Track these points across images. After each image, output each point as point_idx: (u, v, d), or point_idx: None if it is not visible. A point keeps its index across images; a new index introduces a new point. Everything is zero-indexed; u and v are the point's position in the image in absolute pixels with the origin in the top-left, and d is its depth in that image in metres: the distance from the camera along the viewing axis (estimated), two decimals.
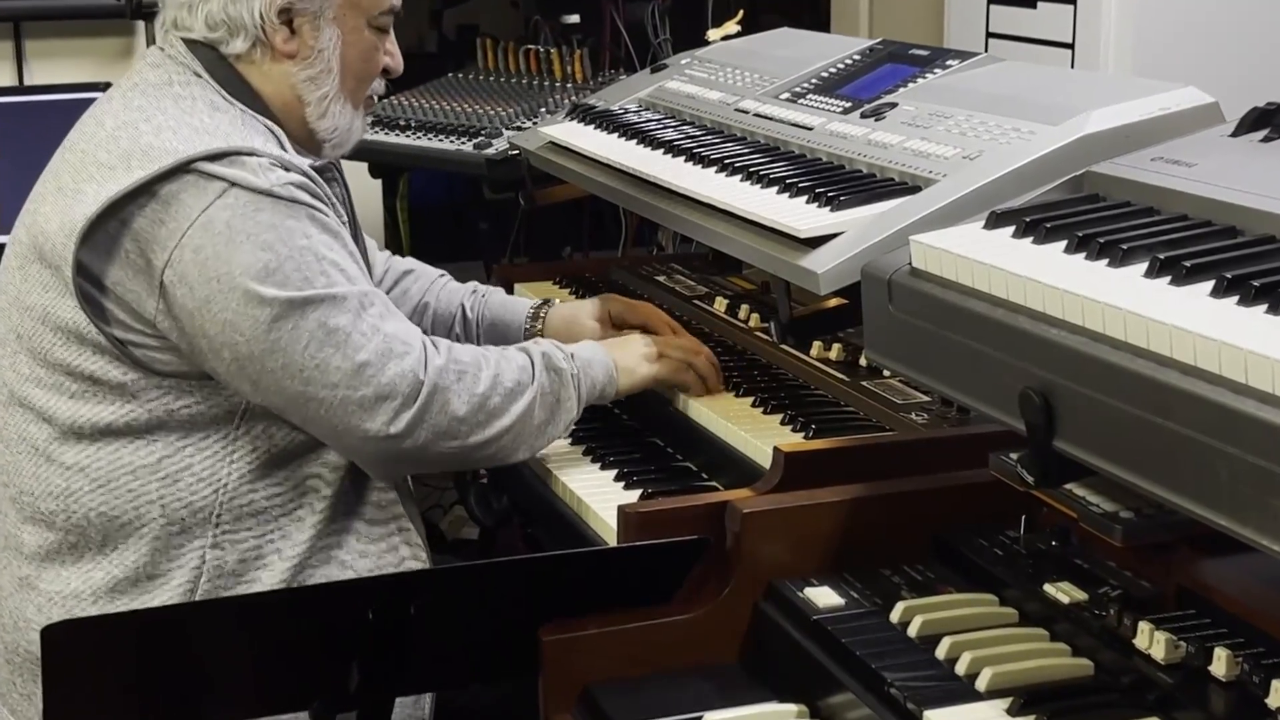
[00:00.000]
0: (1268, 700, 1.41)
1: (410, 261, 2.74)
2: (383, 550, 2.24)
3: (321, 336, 2.06)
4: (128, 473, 2.14)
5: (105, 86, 3.29)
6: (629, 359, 2.35)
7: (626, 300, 2.63)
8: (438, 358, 2.13)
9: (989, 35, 3.69)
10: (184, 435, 2.15)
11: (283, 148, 2.16)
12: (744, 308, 2.71)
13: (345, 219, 2.22)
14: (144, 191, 2.06)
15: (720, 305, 2.77)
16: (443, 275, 2.72)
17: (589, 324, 2.57)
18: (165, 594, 2.15)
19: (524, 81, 3.79)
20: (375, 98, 2.37)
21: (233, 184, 2.05)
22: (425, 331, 2.53)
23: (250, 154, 2.08)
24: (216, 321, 2.05)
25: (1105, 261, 1.48)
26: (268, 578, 2.16)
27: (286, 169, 2.10)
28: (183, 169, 2.05)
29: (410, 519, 2.26)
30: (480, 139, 3.38)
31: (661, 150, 2.56)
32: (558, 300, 2.67)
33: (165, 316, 2.08)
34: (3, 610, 2.24)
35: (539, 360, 2.22)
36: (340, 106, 2.27)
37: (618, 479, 2.24)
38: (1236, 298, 1.33)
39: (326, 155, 2.28)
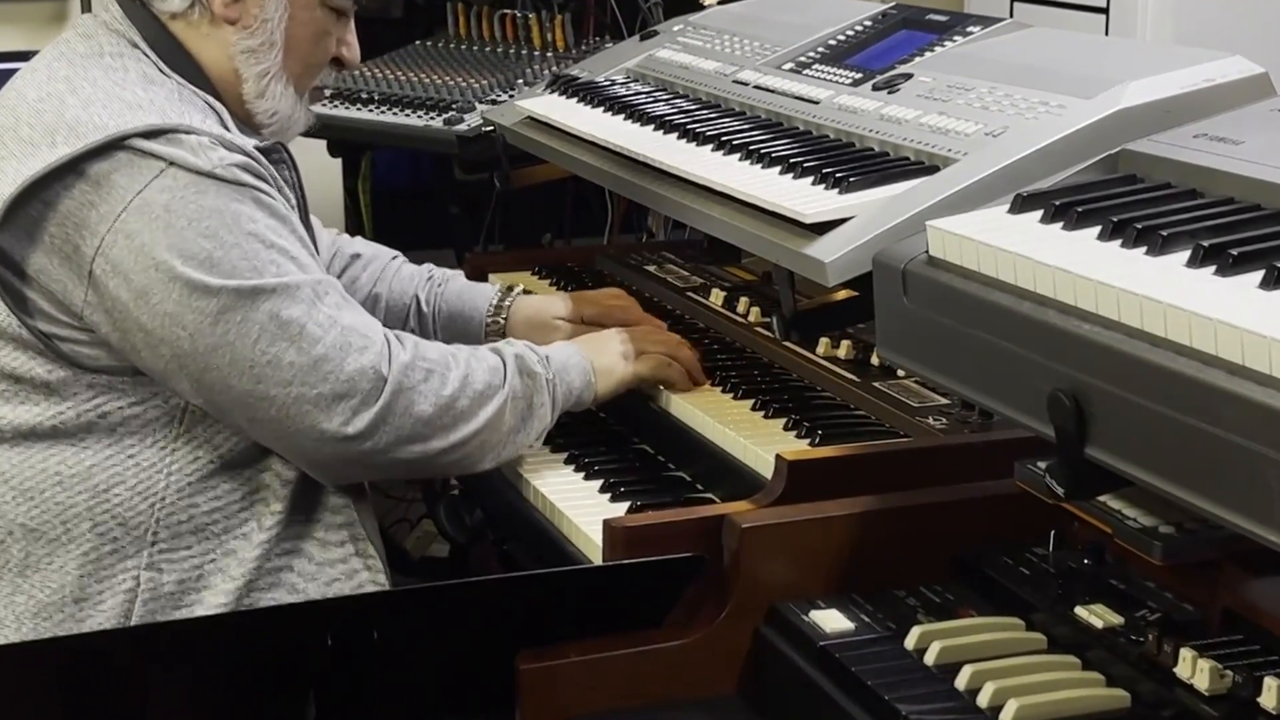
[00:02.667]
0: None
1: (359, 243, 2.74)
2: (338, 573, 2.23)
3: (274, 329, 2.06)
4: (54, 483, 2.14)
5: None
6: (606, 358, 2.36)
7: (601, 302, 2.62)
8: (402, 354, 2.13)
9: None
10: (116, 441, 2.14)
11: (225, 126, 2.16)
12: (743, 301, 2.71)
13: (294, 203, 2.21)
14: (71, 170, 2.05)
15: (717, 298, 2.77)
16: (395, 257, 2.72)
17: (558, 324, 2.57)
18: (95, 620, 2.13)
19: (499, 50, 3.78)
20: (325, 91, 2.37)
21: (171, 163, 2.05)
22: None
23: (189, 131, 2.07)
24: (155, 314, 2.05)
25: (1143, 249, 1.48)
26: (211, 600, 2.16)
27: (229, 149, 2.09)
28: (115, 146, 2.05)
29: (369, 537, 2.26)
30: (451, 114, 3.37)
31: (652, 126, 2.56)
32: (521, 288, 2.67)
33: (95, 309, 2.08)
34: None
35: (511, 362, 2.23)
36: (281, 88, 2.27)
37: (603, 490, 2.23)
38: None
39: (267, 138, 2.27)
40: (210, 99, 2.19)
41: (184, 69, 2.19)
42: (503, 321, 2.59)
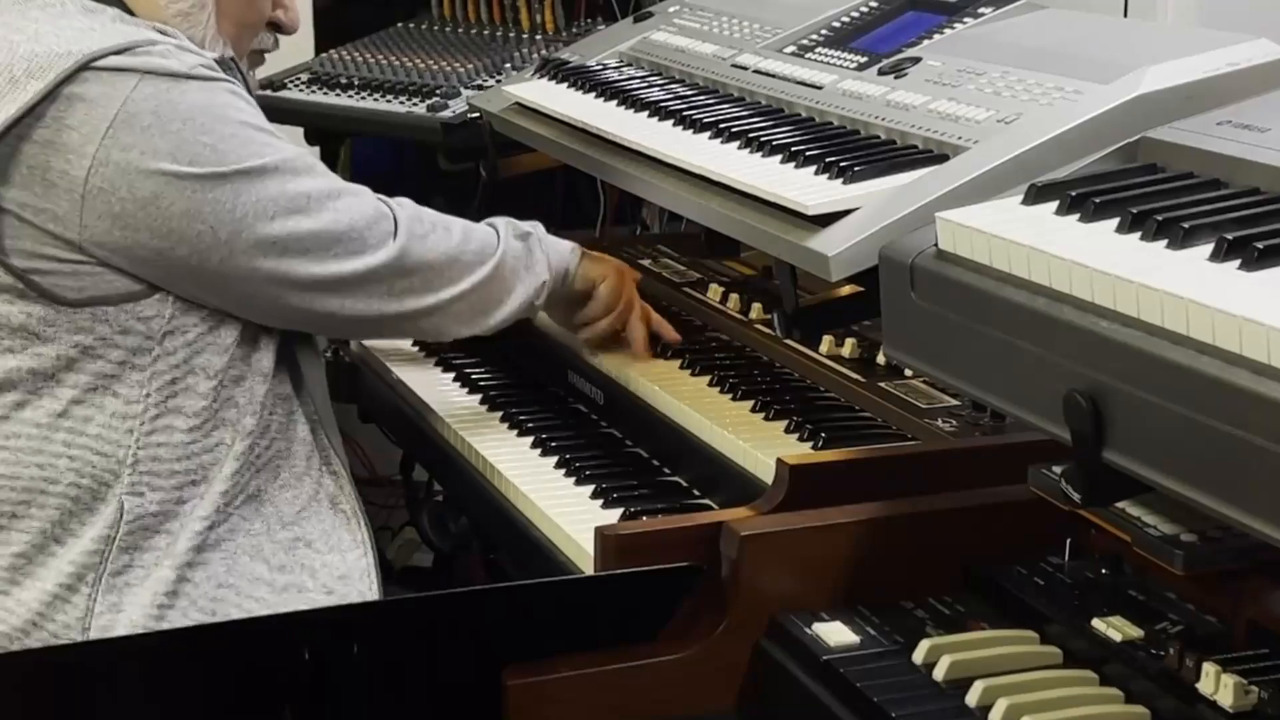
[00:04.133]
0: None
1: None
2: (309, 489, 2.33)
3: (285, 203, 2.20)
4: (33, 429, 2.21)
5: None
6: (598, 259, 2.58)
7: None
8: (400, 208, 2.34)
9: None
10: (94, 373, 2.21)
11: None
12: (743, 296, 2.71)
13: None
14: (42, 99, 2.11)
15: (715, 293, 2.77)
16: None
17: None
18: (79, 547, 2.20)
19: (486, 33, 3.78)
20: (264, 54, 2.47)
21: (146, 72, 2.14)
22: None
23: (153, 43, 2.17)
24: (169, 216, 2.15)
25: (1164, 242, 1.48)
26: (191, 526, 2.23)
27: (193, 53, 2.21)
28: (83, 69, 2.12)
29: (334, 450, 2.37)
30: (435, 100, 3.37)
31: (646, 113, 2.56)
32: None
33: (93, 230, 2.14)
34: None
35: (504, 226, 2.45)
36: (217, 50, 2.34)
37: (595, 496, 2.24)
38: None
39: None
40: (155, 23, 2.27)
41: (119, 6, 2.27)
42: None
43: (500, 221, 2.47)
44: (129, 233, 2.15)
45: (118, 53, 2.14)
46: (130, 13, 2.27)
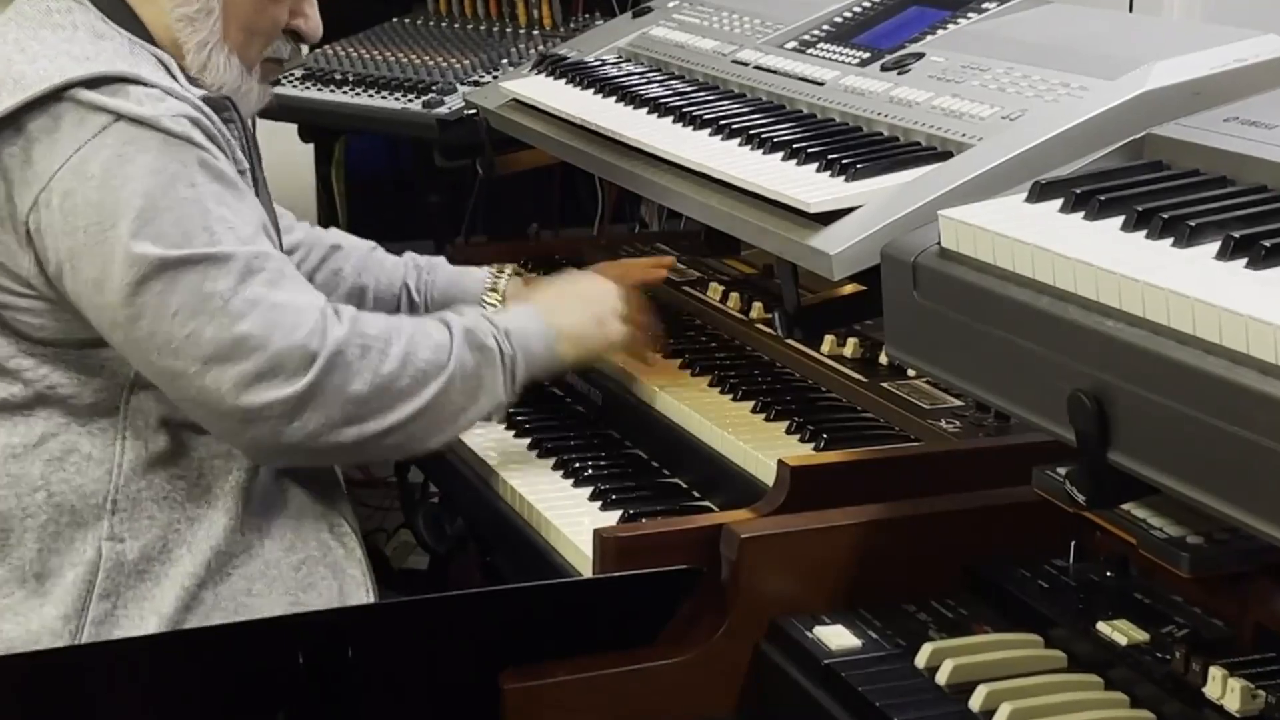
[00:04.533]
0: None
1: (335, 234, 2.74)
2: (310, 550, 2.26)
3: (195, 303, 2.06)
4: (6, 455, 2.17)
5: None
6: (572, 321, 2.33)
7: (605, 271, 2.59)
8: (338, 328, 2.12)
9: None
10: (68, 412, 2.18)
11: (174, 79, 2.19)
12: (743, 296, 2.71)
13: (247, 166, 2.23)
14: (10, 124, 2.08)
15: (715, 292, 2.77)
16: (374, 248, 2.73)
17: None
18: (57, 594, 2.16)
19: (482, 28, 3.78)
20: (282, 65, 2.37)
21: (117, 116, 2.07)
22: None
23: (136, 81, 2.10)
24: (81, 279, 2.08)
25: (1170, 240, 1.48)
26: (178, 574, 2.18)
27: (177, 99, 2.12)
28: (56, 97, 2.08)
29: (340, 510, 2.29)
30: (430, 96, 3.37)
31: (645, 109, 2.56)
32: (512, 268, 2.68)
33: (39, 271, 2.11)
34: None
35: (459, 336, 2.21)
36: (223, 60, 2.27)
37: (593, 498, 2.23)
38: None
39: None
40: (159, 52, 2.21)
41: (131, 26, 2.22)
42: (499, 304, 2.60)
43: (459, 326, 2.23)
44: (60, 282, 2.10)
45: (94, 84, 2.07)
46: (143, 34, 2.21)
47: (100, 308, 2.08)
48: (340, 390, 2.10)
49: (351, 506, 2.33)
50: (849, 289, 2.19)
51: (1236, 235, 1.43)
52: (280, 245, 2.27)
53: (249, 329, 2.07)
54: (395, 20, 3.89)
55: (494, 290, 2.63)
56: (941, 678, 1.67)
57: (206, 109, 2.15)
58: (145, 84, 2.10)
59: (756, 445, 2.17)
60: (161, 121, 2.07)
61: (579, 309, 2.36)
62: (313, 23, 2.36)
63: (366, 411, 2.13)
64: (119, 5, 2.22)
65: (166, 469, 2.20)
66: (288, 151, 3.75)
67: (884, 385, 2.31)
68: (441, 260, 2.74)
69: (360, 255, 2.70)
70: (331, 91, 3.50)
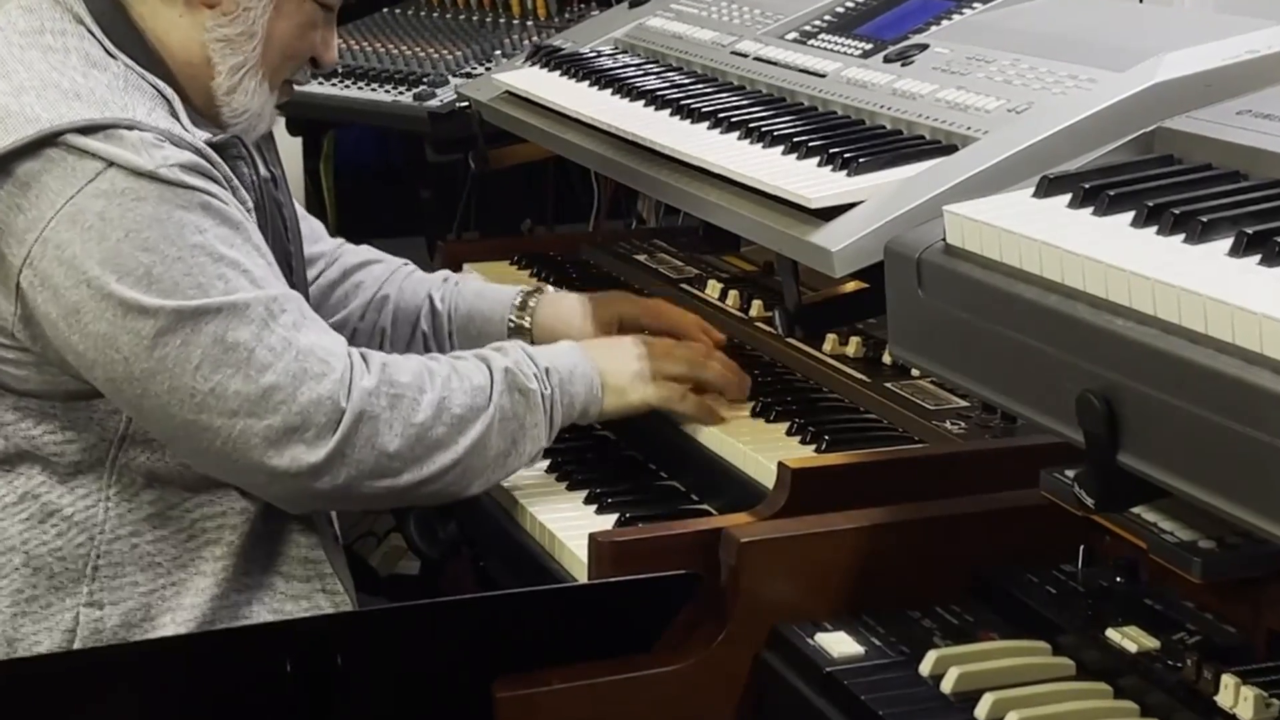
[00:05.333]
0: None
1: (367, 250, 2.69)
2: (300, 609, 2.20)
3: (218, 355, 2.03)
4: None
5: None
6: (619, 374, 2.28)
7: (642, 301, 2.57)
8: (366, 377, 2.09)
9: None
10: (50, 469, 2.14)
11: (175, 117, 2.13)
12: (742, 293, 2.70)
13: (256, 205, 2.17)
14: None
15: (713, 290, 2.77)
16: (407, 264, 2.68)
17: (585, 328, 2.50)
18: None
19: (475, 19, 3.78)
20: (293, 87, 2.33)
21: (110, 164, 2.02)
22: (384, 331, 2.52)
23: (131, 127, 2.04)
24: (88, 335, 2.03)
25: (1181, 237, 1.48)
26: None
27: (176, 145, 2.06)
28: (46, 143, 2.02)
29: (335, 570, 2.24)
30: (422, 88, 3.37)
31: (642, 102, 2.56)
32: (550, 289, 2.64)
33: (24, 325, 2.07)
34: None
35: (500, 378, 2.17)
36: (256, 84, 2.23)
37: (589, 501, 2.23)
38: None
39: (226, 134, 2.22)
40: (161, 85, 2.15)
41: (134, 50, 2.15)
42: (527, 325, 2.54)
43: (500, 366, 2.19)
44: (55, 337, 2.05)
45: (88, 131, 2.02)
46: (148, 60, 2.15)
47: (111, 363, 2.03)
48: (370, 444, 2.07)
49: (344, 559, 2.29)
50: (851, 286, 2.19)
51: (1250, 231, 1.43)
52: (303, 260, 2.24)
53: (276, 379, 2.03)
54: (386, 10, 3.88)
55: (523, 310, 2.54)
56: (947, 686, 1.67)
57: (209, 152, 2.09)
58: (141, 128, 2.04)
59: (756, 447, 2.17)
60: (159, 172, 2.02)
61: (625, 359, 2.30)
62: (333, 53, 2.34)
63: (399, 465, 2.10)
64: (123, 25, 2.16)
65: (153, 531, 2.15)
66: None
67: (887, 385, 2.31)
68: (474, 275, 2.69)
69: (385, 268, 2.64)
70: (320, 84, 3.49)
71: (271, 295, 2.07)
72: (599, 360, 2.27)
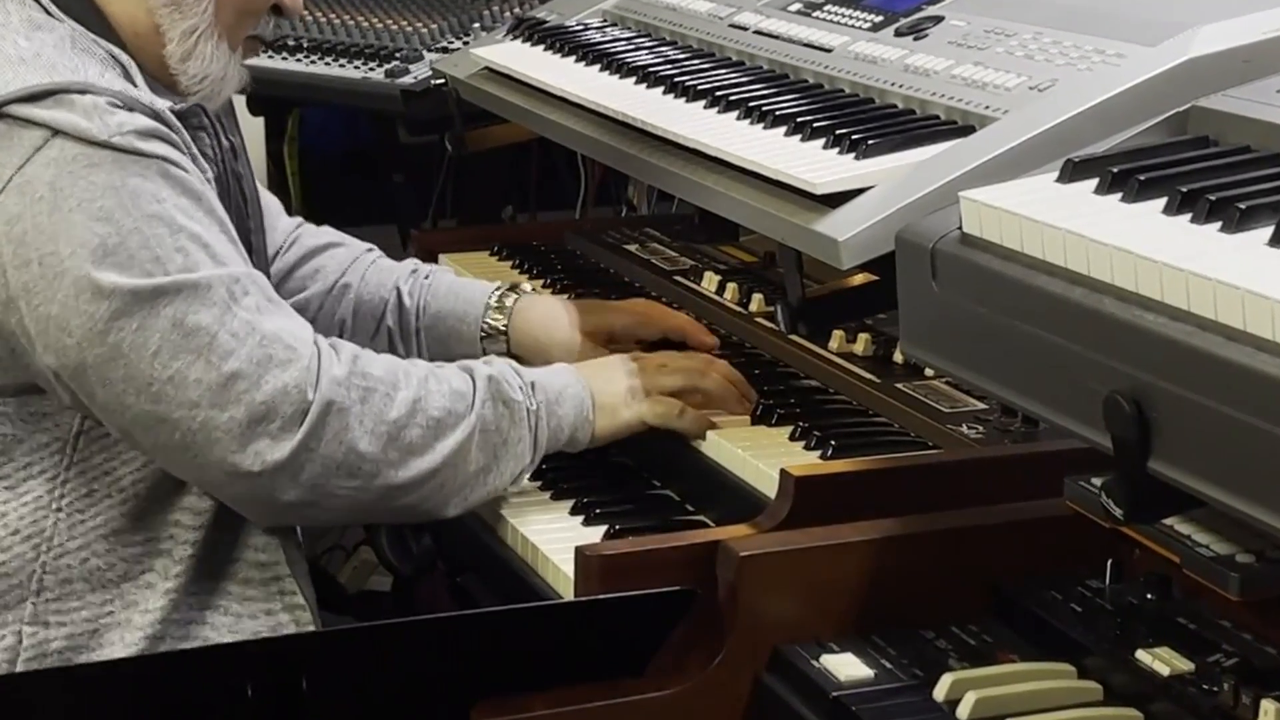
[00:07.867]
0: None
1: (329, 232, 2.70)
2: (260, 626, 2.20)
3: (177, 340, 2.02)
4: None
5: None
6: (611, 393, 2.28)
7: (632, 309, 2.57)
8: (336, 366, 2.09)
9: None
10: None
11: (130, 81, 2.13)
12: (741, 286, 2.71)
13: (213, 176, 2.17)
14: None
15: (710, 283, 2.77)
16: (373, 250, 2.68)
17: (571, 336, 2.51)
18: None
19: None
20: (259, 40, 2.34)
21: (56, 131, 2.01)
22: (343, 323, 2.52)
23: (82, 90, 2.04)
24: (38, 317, 2.03)
25: (1217, 225, 1.48)
26: None
27: (132, 109, 2.06)
28: None
29: (296, 581, 2.23)
30: (394, 64, 3.38)
31: (633, 79, 2.56)
32: (531, 286, 2.64)
33: None
34: None
35: (483, 385, 2.17)
36: (212, 47, 2.23)
37: (576, 512, 2.24)
38: None
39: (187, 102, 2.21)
40: (113, 48, 2.15)
41: (82, 14, 2.15)
42: (503, 327, 2.54)
43: (484, 374, 2.19)
44: (4, 322, 2.05)
45: (34, 99, 2.02)
46: (96, 25, 2.15)
47: (64, 348, 2.02)
48: (339, 439, 2.07)
49: (307, 568, 2.27)
50: (859, 279, 2.20)
51: None
52: (264, 238, 2.24)
53: (239, 366, 2.03)
54: None
55: (500, 310, 2.54)
56: (963, 712, 1.67)
57: (169, 117, 2.09)
58: (93, 91, 2.04)
59: (757, 453, 2.17)
60: (113, 140, 2.01)
61: (617, 377, 2.30)
62: None
63: (370, 466, 2.09)
64: None
65: (106, 543, 2.15)
66: None
67: (898, 386, 2.31)
68: (447, 270, 2.69)
69: (348, 253, 2.64)
70: (284, 59, 3.51)
71: (234, 275, 2.07)
72: (592, 381, 2.27)
